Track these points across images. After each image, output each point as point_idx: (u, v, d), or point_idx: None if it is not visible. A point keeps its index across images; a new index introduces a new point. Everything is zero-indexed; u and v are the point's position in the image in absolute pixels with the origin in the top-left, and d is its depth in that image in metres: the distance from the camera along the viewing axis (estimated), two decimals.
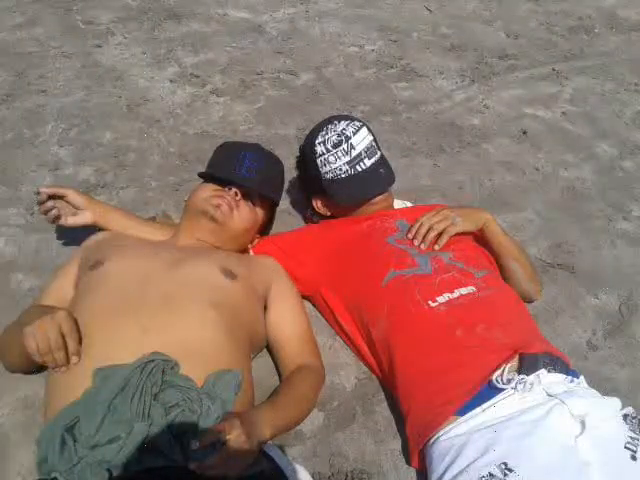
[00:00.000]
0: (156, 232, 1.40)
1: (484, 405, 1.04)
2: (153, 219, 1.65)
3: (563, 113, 2.31)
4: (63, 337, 0.97)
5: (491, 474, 0.93)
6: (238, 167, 1.37)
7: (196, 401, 0.97)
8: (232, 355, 1.09)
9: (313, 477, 1.10)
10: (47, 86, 2.21)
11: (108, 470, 0.89)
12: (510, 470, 0.93)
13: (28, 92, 2.17)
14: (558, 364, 1.11)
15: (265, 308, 1.30)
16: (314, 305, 1.47)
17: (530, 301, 1.46)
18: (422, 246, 1.34)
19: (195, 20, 2.73)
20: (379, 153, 1.48)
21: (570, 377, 1.10)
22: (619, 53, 2.75)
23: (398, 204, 1.62)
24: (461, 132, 2.16)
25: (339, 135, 1.43)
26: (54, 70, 2.31)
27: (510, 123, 2.24)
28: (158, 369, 0.97)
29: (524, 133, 2.18)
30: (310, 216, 1.68)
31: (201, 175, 1.44)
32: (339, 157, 1.43)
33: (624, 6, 3.17)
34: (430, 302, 1.19)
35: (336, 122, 1.46)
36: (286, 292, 1.34)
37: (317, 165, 1.46)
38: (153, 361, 0.98)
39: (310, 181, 1.55)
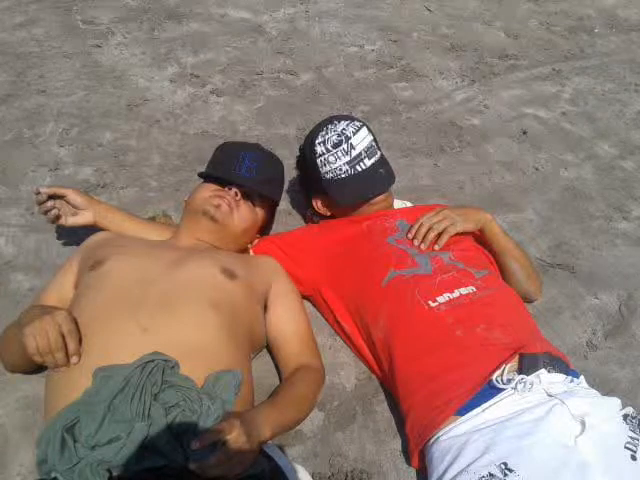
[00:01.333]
0: (156, 232, 1.41)
1: (484, 405, 1.04)
2: (153, 219, 1.65)
3: (563, 113, 2.31)
4: (63, 337, 0.97)
5: (491, 474, 0.93)
6: (238, 167, 1.37)
7: (196, 401, 0.97)
8: (232, 355, 1.09)
9: (313, 477, 1.10)
10: (47, 86, 2.21)
11: (108, 470, 0.89)
12: (510, 470, 0.93)
13: (28, 92, 2.17)
14: (558, 364, 1.11)
15: (265, 308, 1.30)
16: (314, 305, 1.47)
17: (530, 301, 1.46)
18: (422, 246, 1.35)
19: (195, 20, 2.73)
20: (379, 153, 1.48)
21: (570, 377, 1.10)
22: (619, 53, 2.75)
23: (398, 204, 1.62)
24: (461, 132, 2.16)
25: (339, 135, 1.43)
26: (54, 70, 2.31)
27: (510, 123, 2.24)
28: (158, 369, 0.97)
29: (524, 133, 2.18)
30: (310, 216, 1.68)
31: (201, 175, 1.44)
32: (339, 157, 1.43)
33: (624, 6, 3.17)
34: (430, 302, 1.19)
35: (336, 122, 1.46)
36: (286, 292, 1.34)
37: (317, 165, 1.46)
38: (153, 361, 0.98)
39: (310, 181, 1.55)
